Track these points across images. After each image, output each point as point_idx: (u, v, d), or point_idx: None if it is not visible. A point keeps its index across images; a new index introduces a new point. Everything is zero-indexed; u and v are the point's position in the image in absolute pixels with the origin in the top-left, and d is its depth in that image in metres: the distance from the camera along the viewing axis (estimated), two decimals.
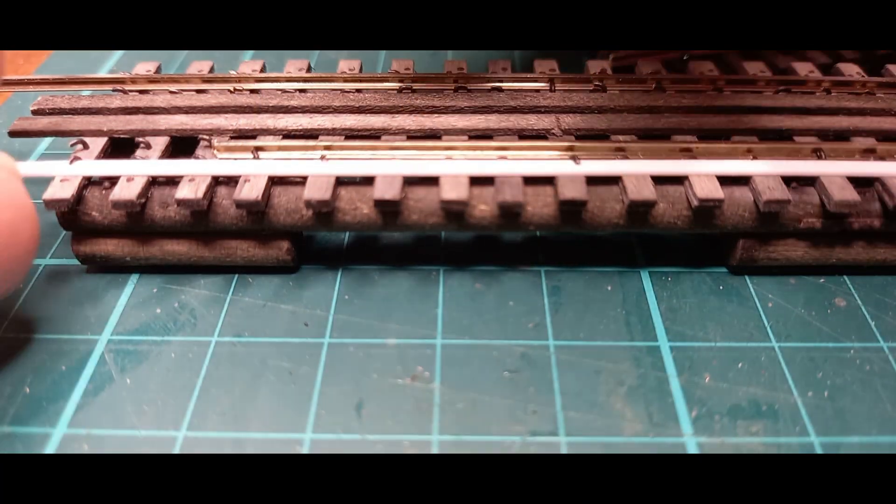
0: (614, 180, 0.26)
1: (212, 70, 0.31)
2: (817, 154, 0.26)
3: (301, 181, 0.26)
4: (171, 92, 0.29)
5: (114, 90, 0.30)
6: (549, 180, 0.25)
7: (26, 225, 0.21)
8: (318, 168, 0.25)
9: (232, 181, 0.26)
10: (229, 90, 0.29)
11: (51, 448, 0.21)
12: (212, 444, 0.22)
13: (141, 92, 0.29)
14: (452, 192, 0.25)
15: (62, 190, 0.25)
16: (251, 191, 0.25)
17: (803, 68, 0.32)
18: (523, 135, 0.28)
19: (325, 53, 0.42)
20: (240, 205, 0.25)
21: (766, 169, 0.25)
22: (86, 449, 0.21)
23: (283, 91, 0.29)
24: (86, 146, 0.27)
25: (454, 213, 0.25)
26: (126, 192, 0.25)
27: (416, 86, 0.30)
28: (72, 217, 0.26)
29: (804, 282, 0.27)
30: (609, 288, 0.27)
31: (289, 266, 0.27)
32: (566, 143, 0.26)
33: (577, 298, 0.26)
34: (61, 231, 0.29)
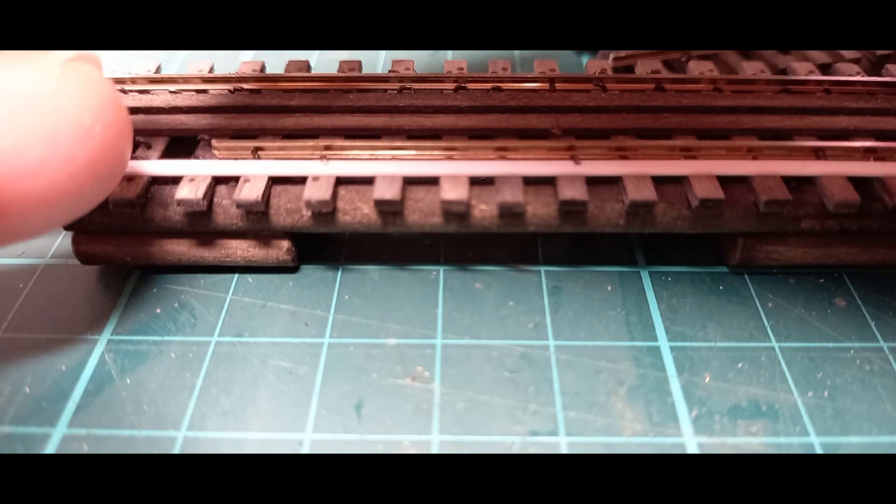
0: (614, 180, 0.26)
1: (212, 70, 0.31)
2: (817, 154, 0.26)
3: (301, 181, 0.26)
4: (171, 92, 0.29)
5: None
6: (549, 180, 0.25)
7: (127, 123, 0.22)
8: (318, 168, 0.25)
9: (232, 181, 0.26)
10: (229, 90, 0.29)
11: (51, 448, 0.21)
12: (212, 444, 0.22)
13: (141, 92, 0.29)
14: (452, 192, 0.25)
15: None
16: (251, 191, 0.25)
17: (803, 68, 0.32)
18: (523, 135, 0.28)
19: (325, 53, 0.42)
20: (240, 205, 0.25)
21: (766, 169, 0.25)
22: (86, 449, 0.21)
23: (284, 91, 0.29)
24: None
25: (454, 213, 0.25)
26: (126, 192, 0.25)
27: (415, 86, 0.29)
28: None
29: (804, 282, 0.27)
30: (609, 288, 0.27)
31: (289, 266, 0.27)
32: (566, 143, 0.26)
33: (577, 298, 0.26)
34: (61, 231, 0.29)
